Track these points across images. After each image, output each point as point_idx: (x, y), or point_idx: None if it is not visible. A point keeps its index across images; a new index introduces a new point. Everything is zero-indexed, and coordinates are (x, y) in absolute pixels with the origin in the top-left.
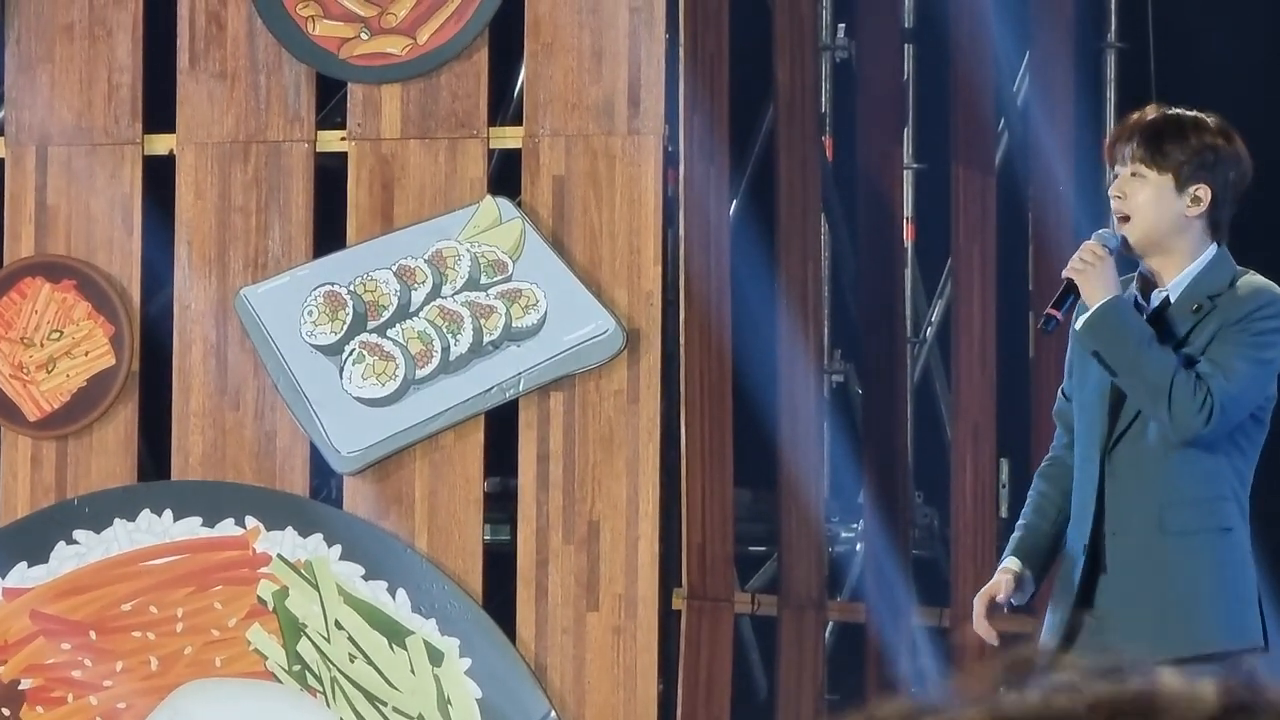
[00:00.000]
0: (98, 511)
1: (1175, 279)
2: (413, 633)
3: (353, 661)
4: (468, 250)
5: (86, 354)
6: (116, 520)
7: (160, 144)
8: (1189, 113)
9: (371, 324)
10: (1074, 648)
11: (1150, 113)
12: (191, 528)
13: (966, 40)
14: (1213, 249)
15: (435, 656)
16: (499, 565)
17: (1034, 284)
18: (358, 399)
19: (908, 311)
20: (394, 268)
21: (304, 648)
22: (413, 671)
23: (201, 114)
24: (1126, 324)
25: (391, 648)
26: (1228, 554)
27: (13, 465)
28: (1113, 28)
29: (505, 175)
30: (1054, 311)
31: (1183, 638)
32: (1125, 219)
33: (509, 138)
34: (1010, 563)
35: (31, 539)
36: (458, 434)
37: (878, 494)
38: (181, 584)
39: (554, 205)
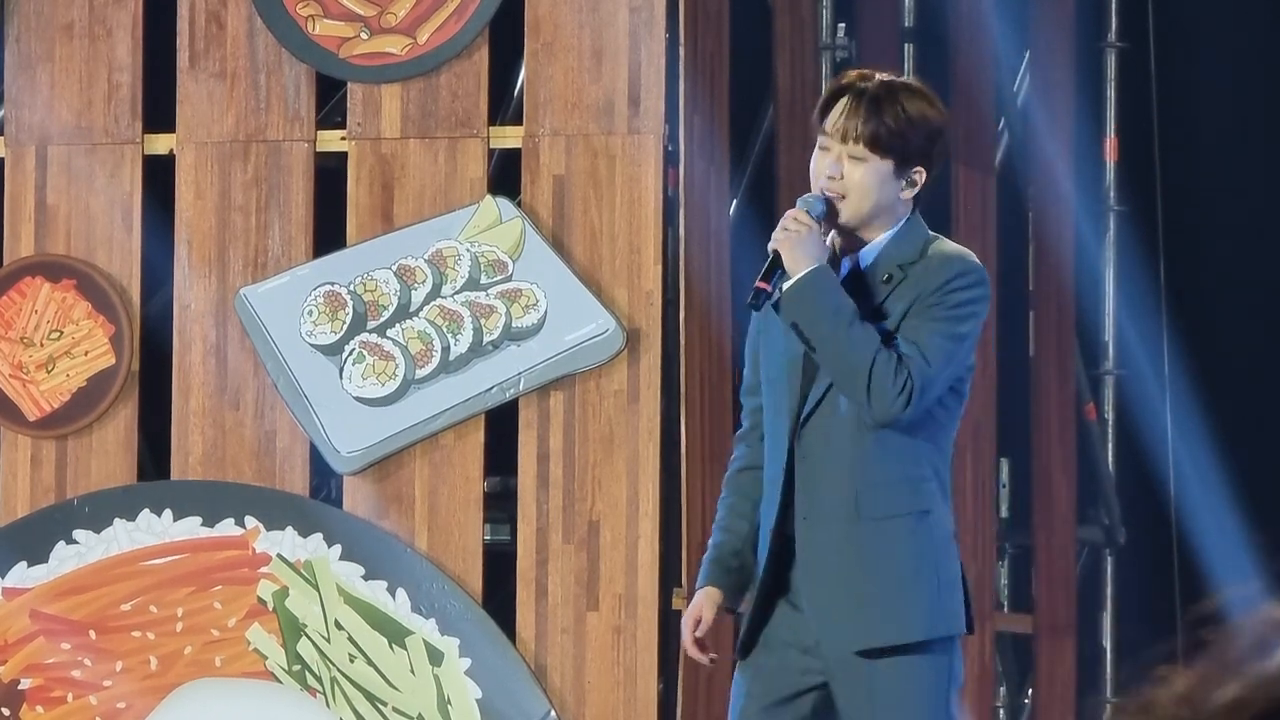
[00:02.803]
0: (97, 511)
1: (866, 247)
2: (412, 632)
3: (352, 661)
4: (468, 250)
5: (86, 354)
6: (116, 520)
7: (160, 143)
8: (907, 85)
9: (371, 324)
10: (767, 636)
11: (868, 84)
12: (191, 527)
13: (966, 40)
14: (905, 216)
15: (435, 656)
16: (499, 565)
17: (1034, 284)
18: (358, 399)
19: None
20: (394, 267)
21: (304, 647)
22: (412, 671)
23: (201, 113)
24: (829, 297)
25: (391, 647)
26: (927, 538)
27: (13, 465)
28: (1113, 27)
29: (505, 175)
30: (763, 285)
31: (882, 628)
32: (841, 197)
33: (509, 137)
34: (709, 592)
35: (31, 539)
36: (458, 434)
37: None
38: (181, 584)
39: (554, 205)
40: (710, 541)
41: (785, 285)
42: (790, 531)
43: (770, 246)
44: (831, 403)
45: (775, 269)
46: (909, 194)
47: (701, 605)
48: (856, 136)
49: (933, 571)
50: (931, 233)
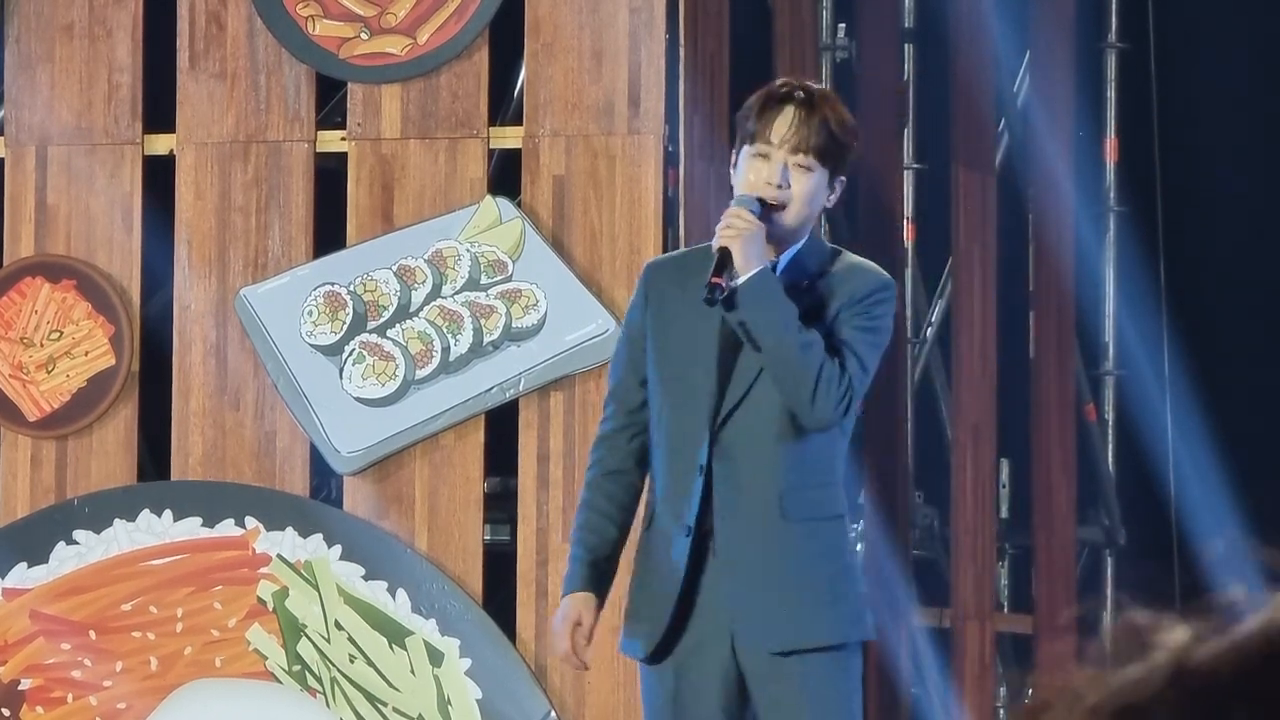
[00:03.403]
0: (97, 512)
1: (781, 256)
2: (413, 633)
3: (353, 662)
4: (468, 250)
5: (86, 354)
6: (116, 520)
7: (160, 144)
8: (830, 93)
9: (371, 324)
10: (682, 638)
11: (807, 94)
12: (191, 528)
13: (967, 40)
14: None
15: (435, 657)
16: (499, 565)
17: (1034, 284)
18: (358, 399)
19: (908, 311)
20: (394, 268)
21: (304, 648)
22: (413, 672)
23: (201, 114)
24: (778, 299)
25: (391, 648)
26: (843, 542)
27: (12, 465)
28: (1113, 28)
29: (505, 175)
30: (718, 280)
31: (809, 629)
32: (782, 206)
33: (509, 138)
34: (586, 597)
35: (31, 539)
36: (458, 434)
37: (878, 494)
38: (181, 584)
39: (554, 205)
40: (578, 545)
41: (737, 283)
42: (707, 529)
43: (717, 243)
44: (756, 402)
45: (725, 266)
46: (833, 202)
47: (579, 610)
48: (808, 148)
49: (853, 576)
50: (829, 244)
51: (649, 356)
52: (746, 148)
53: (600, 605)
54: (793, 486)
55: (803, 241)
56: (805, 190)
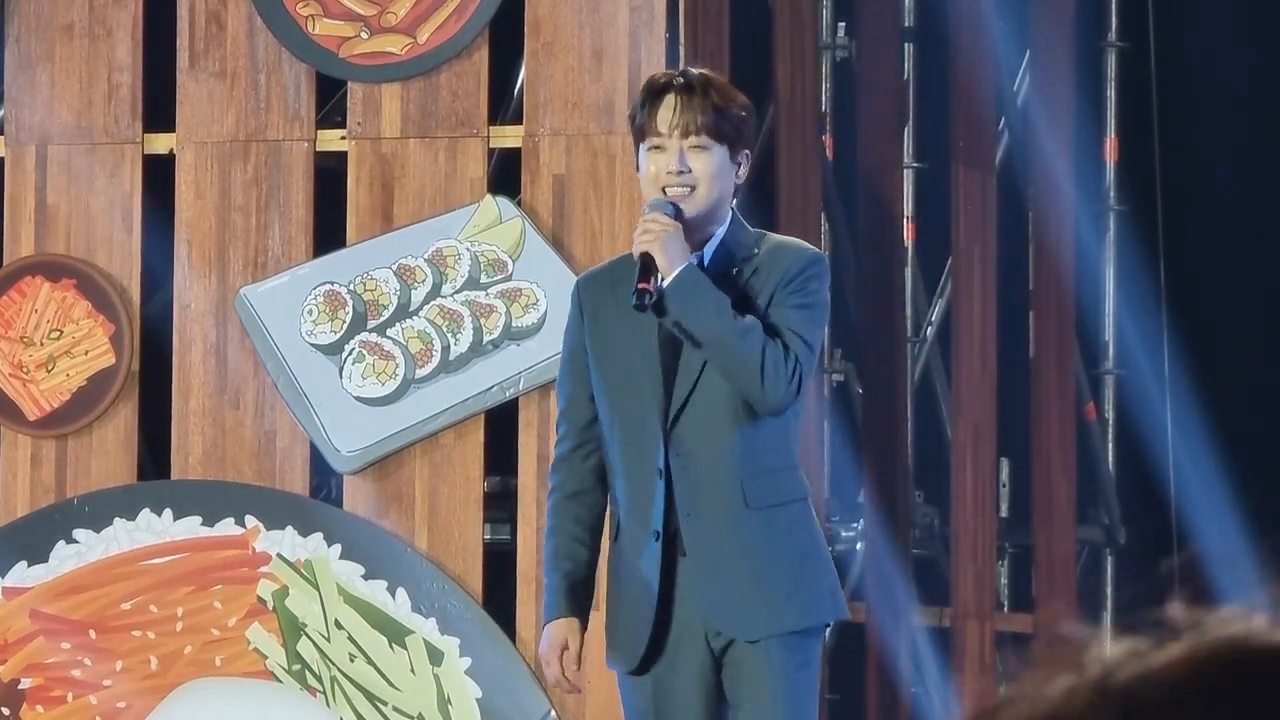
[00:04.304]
0: (97, 511)
1: (706, 245)
2: (412, 632)
3: (352, 661)
4: (468, 249)
5: (86, 353)
6: (116, 519)
7: (160, 143)
8: (713, 75)
9: (371, 323)
10: (669, 640)
11: (687, 79)
12: (191, 527)
13: (967, 39)
14: (730, 213)
15: (435, 656)
16: (499, 564)
17: (1034, 284)
18: (357, 398)
19: (908, 311)
20: (394, 267)
21: (304, 647)
22: (413, 671)
23: (201, 113)
24: (707, 293)
25: (391, 647)
26: (809, 524)
27: (12, 464)
28: (1113, 27)
29: (505, 174)
30: (645, 285)
31: (782, 616)
32: (690, 190)
33: (509, 137)
34: (570, 623)
35: (31, 538)
36: (458, 433)
37: (878, 494)
38: (181, 583)
39: (554, 204)
40: (553, 573)
41: (664, 284)
42: (673, 530)
43: (637, 250)
44: (704, 397)
45: (650, 270)
46: (741, 178)
47: (564, 635)
48: (698, 128)
49: (821, 558)
50: (752, 228)
51: (592, 371)
52: (642, 145)
53: (584, 627)
54: (751, 474)
55: (725, 227)
56: (707, 170)
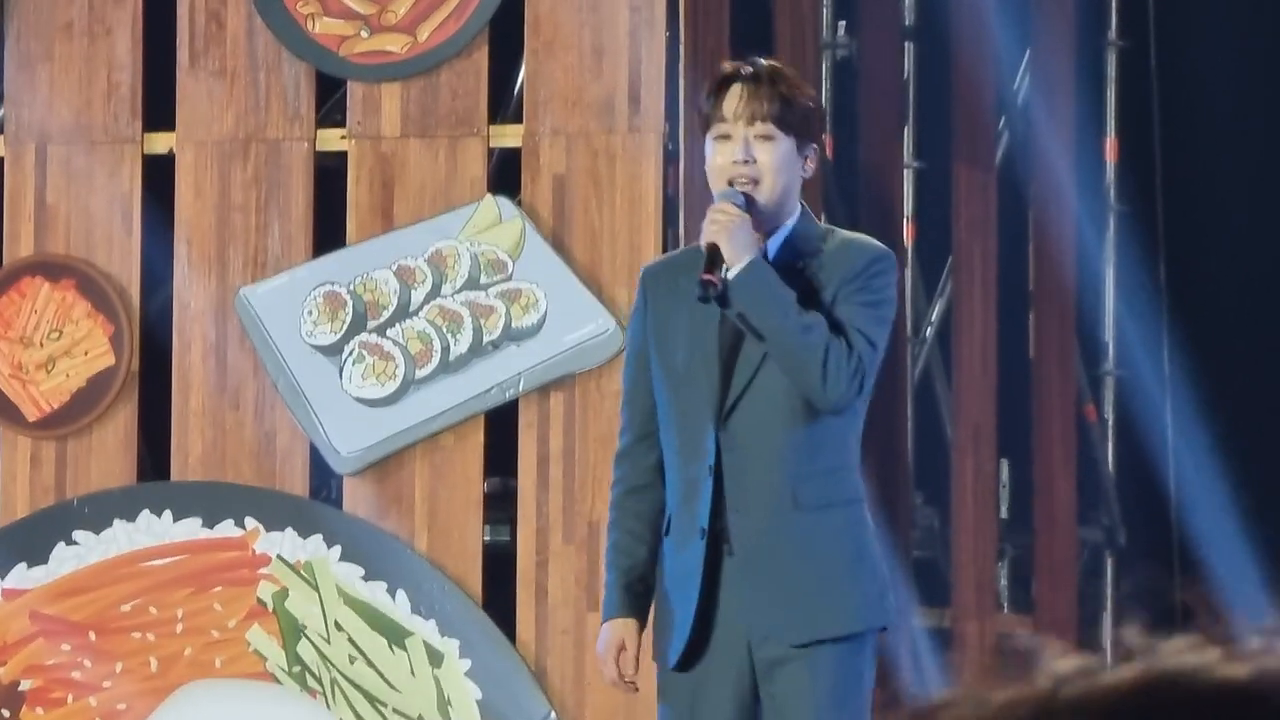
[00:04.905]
0: (97, 512)
1: (771, 239)
2: (412, 634)
3: (352, 662)
4: (468, 249)
5: (86, 354)
6: (116, 521)
7: (160, 142)
8: (775, 64)
9: (371, 324)
10: (711, 641)
11: (755, 68)
12: (191, 528)
13: (967, 38)
14: (799, 206)
15: (435, 657)
16: (499, 566)
17: (1034, 284)
18: (357, 399)
19: (908, 311)
20: (394, 267)
21: (304, 649)
22: (412, 672)
23: (201, 112)
24: (774, 287)
25: (391, 649)
26: (863, 528)
27: (12, 466)
28: (1113, 25)
29: (505, 174)
30: (710, 277)
31: (828, 620)
32: (755, 182)
33: (509, 136)
34: (628, 623)
35: (31, 539)
36: (457, 434)
37: (878, 494)
38: (181, 585)
39: (554, 204)
40: (612, 569)
41: (730, 276)
42: (721, 526)
43: (705, 240)
44: (761, 392)
45: (716, 262)
46: (808, 173)
47: (621, 635)
48: (764, 116)
49: (872, 562)
50: (821, 223)
51: (653, 360)
52: (709, 134)
53: (642, 627)
54: (804, 475)
55: (793, 221)
56: (773, 160)
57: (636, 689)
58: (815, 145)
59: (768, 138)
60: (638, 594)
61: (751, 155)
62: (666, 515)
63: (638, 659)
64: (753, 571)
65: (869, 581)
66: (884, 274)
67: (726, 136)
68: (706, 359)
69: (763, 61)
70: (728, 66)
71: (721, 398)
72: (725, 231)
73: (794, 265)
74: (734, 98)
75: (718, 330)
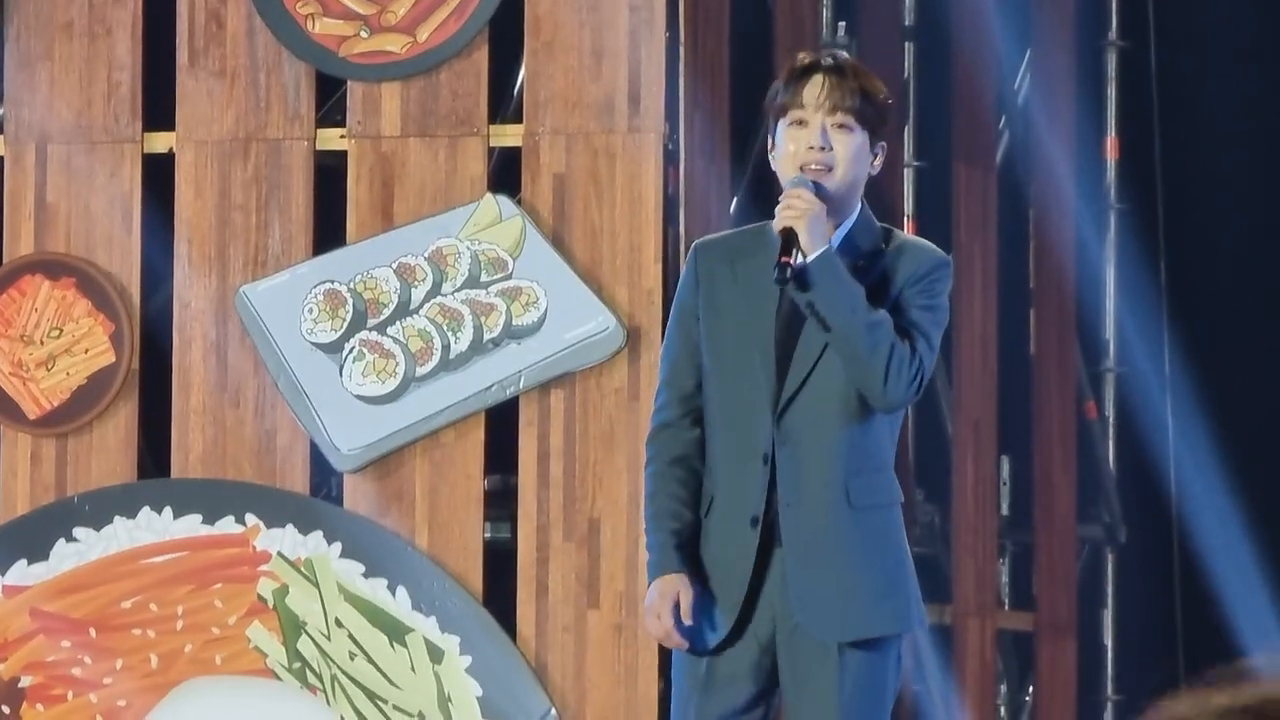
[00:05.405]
0: (98, 509)
1: (832, 235)
2: (413, 630)
3: (353, 659)
4: (468, 248)
5: (86, 352)
6: (116, 518)
7: (160, 142)
8: (853, 60)
9: (371, 322)
10: (750, 627)
11: (838, 60)
12: (191, 525)
13: (967, 38)
14: (860, 203)
15: (435, 654)
16: (499, 563)
17: (1035, 281)
18: (358, 396)
19: None
20: (394, 265)
21: (304, 645)
22: (413, 669)
23: (201, 112)
24: (845, 279)
25: (392, 645)
26: (900, 530)
27: (12, 463)
28: (1114, 25)
29: (505, 173)
30: (788, 259)
31: (863, 620)
32: (828, 170)
33: (509, 136)
34: (681, 577)
35: (31, 536)
36: (458, 431)
37: None
38: (182, 582)
39: (554, 203)
40: (659, 531)
41: (807, 261)
42: (771, 517)
43: (780, 225)
44: (818, 387)
45: (792, 246)
46: (875, 170)
47: (676, 587)
48: (845, 106)
49: (910, 566)
50: (879, 223)
51: (702, 342)
52: (782, 121)
53: (693, 586)
54: (855, 472)
55: (854, 218)
56: (848, 151)
57: (686, 645)
58: (884, 144)
59: (845, 128)
60: (685, 555)
61: (828, 143)
62: (709, 496)
63: (691, 610)
64: (799, 565)
65: (909, 585)
66: (945, 280)
67: (803, 123)
68: (763, 349)
69: (842, 54)
70: (807, 57)
71: (778, 391)
72: (804, 218)
73: (855, 264)
74: (815, 86)
75: (774, 319)
